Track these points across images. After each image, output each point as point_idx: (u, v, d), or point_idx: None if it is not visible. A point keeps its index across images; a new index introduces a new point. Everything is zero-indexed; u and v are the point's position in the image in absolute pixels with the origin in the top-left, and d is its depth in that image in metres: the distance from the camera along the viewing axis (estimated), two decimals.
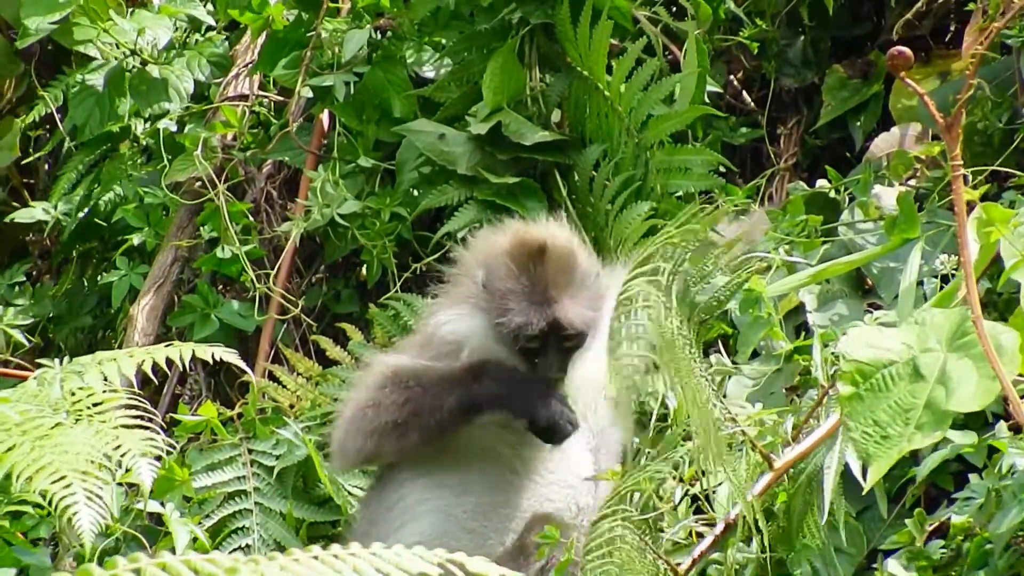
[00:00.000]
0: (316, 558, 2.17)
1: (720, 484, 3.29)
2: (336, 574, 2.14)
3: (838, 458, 3.22)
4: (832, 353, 3.56)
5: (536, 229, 3.83)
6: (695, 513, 3.35)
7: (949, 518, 3.39)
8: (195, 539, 3.90)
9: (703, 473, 3.25)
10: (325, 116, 5.11)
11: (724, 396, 3.92)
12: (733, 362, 3.98)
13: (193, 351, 3.67)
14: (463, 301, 3.81)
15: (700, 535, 3.32)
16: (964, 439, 3.39)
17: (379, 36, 5.04)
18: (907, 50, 2.95)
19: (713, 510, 3.33)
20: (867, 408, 2.99)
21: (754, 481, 3.26)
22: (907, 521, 3.43)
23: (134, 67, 5.28)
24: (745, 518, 3.21)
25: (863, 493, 3.21)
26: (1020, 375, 3.10)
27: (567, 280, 3.70)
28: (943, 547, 3.35)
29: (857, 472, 3.23)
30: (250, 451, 4.48)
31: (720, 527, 3.27)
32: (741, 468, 3.24)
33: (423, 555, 2.20)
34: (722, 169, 4.61)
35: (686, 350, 3.20)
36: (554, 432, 3.68)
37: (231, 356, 3.71)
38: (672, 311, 3.20)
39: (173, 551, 2.96)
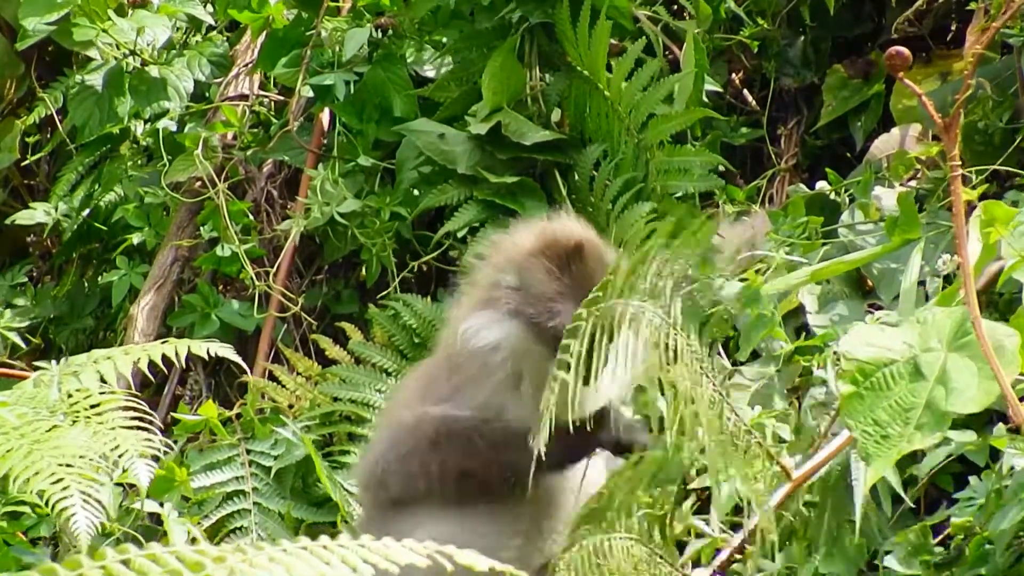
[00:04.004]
0: (305, 548, 2.17)
1: (728, 496, 3.24)
2: (325, 565, 2.13)
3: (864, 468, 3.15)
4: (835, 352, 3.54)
5: (563, 227, 3.76)
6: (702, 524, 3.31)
7: (949, 518, 3.38)
8: (193, 539, 3.89)
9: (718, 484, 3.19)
10: (325, 115, 5.10)
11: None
12: (733, 363, 3.97)
13: (189, 348, 3.66)
14: (490, 306, 3.74)
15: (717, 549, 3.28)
16: (966, 437, 3.37)
17: (379, 35, 5.04)
18: (905, 50, 2.94)
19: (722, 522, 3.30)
20: (867, 407, 2.97)
21: (772, 492, 3.21)
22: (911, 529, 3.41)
23: (134, 67, 5.28)
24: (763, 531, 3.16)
25: (855, 502, 3.18)
26: (1021, 375, 3.10)
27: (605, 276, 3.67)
28: (942, 545, 3.34)
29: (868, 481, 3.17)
30: (249, 451, 4.47)
31: (739, 538, 3.23)
32: (753, 477, 3.18)
33: (412, 547, 2.19)
34: (722, 169, 4.60)
35: (695, 363, 3.15)
36: (630, 448, 3.59)
37: (228, 352, 3.70)
38: (675, 325, 3.15)
39: None
